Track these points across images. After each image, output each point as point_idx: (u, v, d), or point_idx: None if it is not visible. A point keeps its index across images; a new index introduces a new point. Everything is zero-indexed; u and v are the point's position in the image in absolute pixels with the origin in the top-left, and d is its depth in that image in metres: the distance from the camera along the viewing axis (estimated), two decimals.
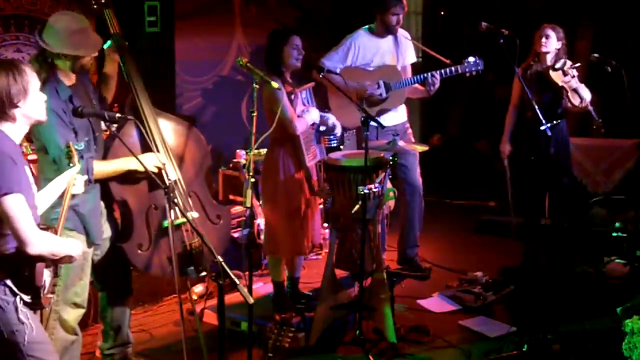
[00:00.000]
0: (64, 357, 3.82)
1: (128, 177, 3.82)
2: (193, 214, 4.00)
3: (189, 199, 4.04)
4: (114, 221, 4.00)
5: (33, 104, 2.96)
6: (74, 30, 3.61)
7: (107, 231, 3.94)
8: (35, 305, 2.95)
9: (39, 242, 2.86)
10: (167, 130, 4.05)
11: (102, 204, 3.88)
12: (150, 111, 3.98)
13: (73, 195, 3.22)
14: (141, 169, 3.50)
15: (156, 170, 3.74)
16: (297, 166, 4.71)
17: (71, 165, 3.21)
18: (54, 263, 3.02)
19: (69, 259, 3.05)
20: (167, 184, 3.43)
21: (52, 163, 3.59)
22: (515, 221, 5.75)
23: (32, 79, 2.96)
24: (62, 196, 3.18)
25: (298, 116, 4.65)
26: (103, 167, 3.71)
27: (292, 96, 4.65)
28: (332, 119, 4.92)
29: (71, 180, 3.18)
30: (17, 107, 2.90)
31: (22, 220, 2.82)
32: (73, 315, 3.83)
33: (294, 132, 4.60)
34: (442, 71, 5.24)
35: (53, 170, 3.52)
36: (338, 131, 4.96)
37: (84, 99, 3.73)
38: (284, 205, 4.72)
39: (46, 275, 2.97)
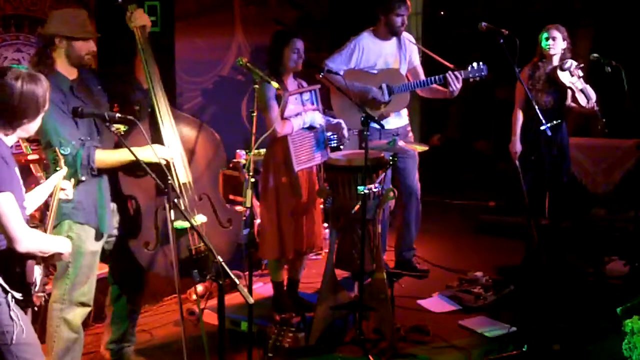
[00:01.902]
0: (65, 356, 3.83)
1: (138, 174, 3.81)
2: (201, 218, 3.98)
3: (198, 202, 4.01)
4: (124, 217, 3.99)
5: (37, 123, 2.97)
6: (71, 15, 3.69)
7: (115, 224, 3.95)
8: (27, 303, 2.94)
9: (28, 240, 2.86)
10: (183, 130, 4.03)
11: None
12: (167, 108, 3.95)
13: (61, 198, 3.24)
14: (148, 160, 3.52)
15: (163, 162, 3.69)
16: (287, 169, 4.70)
17: (58, 168, 3.23)
18: (45, 261, 3.02)
19: (58, 257, 3.05)
20: (168, 184, 3.41)
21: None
22: (534, 222, 5.71)
23: (48, 98, 2.96)
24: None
25: (285, 119, 4.65)
26: (106, 156, 3.68)
27: (283, 98, 4.63)
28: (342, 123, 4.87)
29: (58, 184, 3.18)
30: (22, 123, 2.91)
31: (11, 218, 2.81)
32: (79, 315, 3.85)
33: (274, 134, 4.60)
34: (443, 76, 5.23)
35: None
36: (345, 134, 4.93)
37: (87, 96, 3.74)
38: (273, 207, 4.73)
39: (37, 273, 2.97)
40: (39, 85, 2.91)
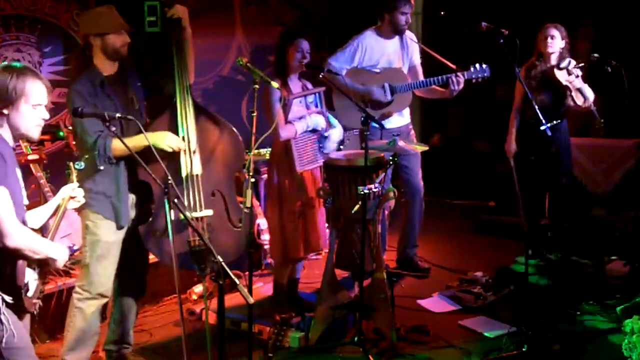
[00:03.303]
0: (76, 347, 3.90)
1: (153, 161, 3.84)
2: (206, 212, 4.01)
3: (210, 197, 4.05)
4: (140, 205, 4.04)
5: (23, 116, 2.91)
6: (97, 14, 3.83)
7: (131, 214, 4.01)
8: (18, 307, 2.92)
9: (17, 236, 2.83)
10: (208, 126, 4.10)
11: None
12: (188, 101, 4.01)
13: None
14: (162, 147, 3.72)
15: (169, 150, 3.84)
16: (290, 169, 4.69)
17: (70, 182, 3.28)
18: (40, 267, 3.01)
19: (53, 263, 3.02)
20: (168, 183, 3.43)
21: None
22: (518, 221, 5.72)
23: (32, 90, 2.90)
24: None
25: (288, 122, 4.64)
26: (121, 144, 3.68)
27: (286, 101, 4.62)
28: (335, 133, 4.87)
29: (67, 196, 3.22)
30: (1, 112, 2.88)
31: (2, 212, 2.80)
32: (94, 305, 3.92)
33: (277, 137, 4.60)
34: (447, 77, 5.23)
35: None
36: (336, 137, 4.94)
37: (119, 93, 3.84)
38: (276, 207, 4.73)
39: (30, 278, 2.96)
40: (10, 77, 2.87)
